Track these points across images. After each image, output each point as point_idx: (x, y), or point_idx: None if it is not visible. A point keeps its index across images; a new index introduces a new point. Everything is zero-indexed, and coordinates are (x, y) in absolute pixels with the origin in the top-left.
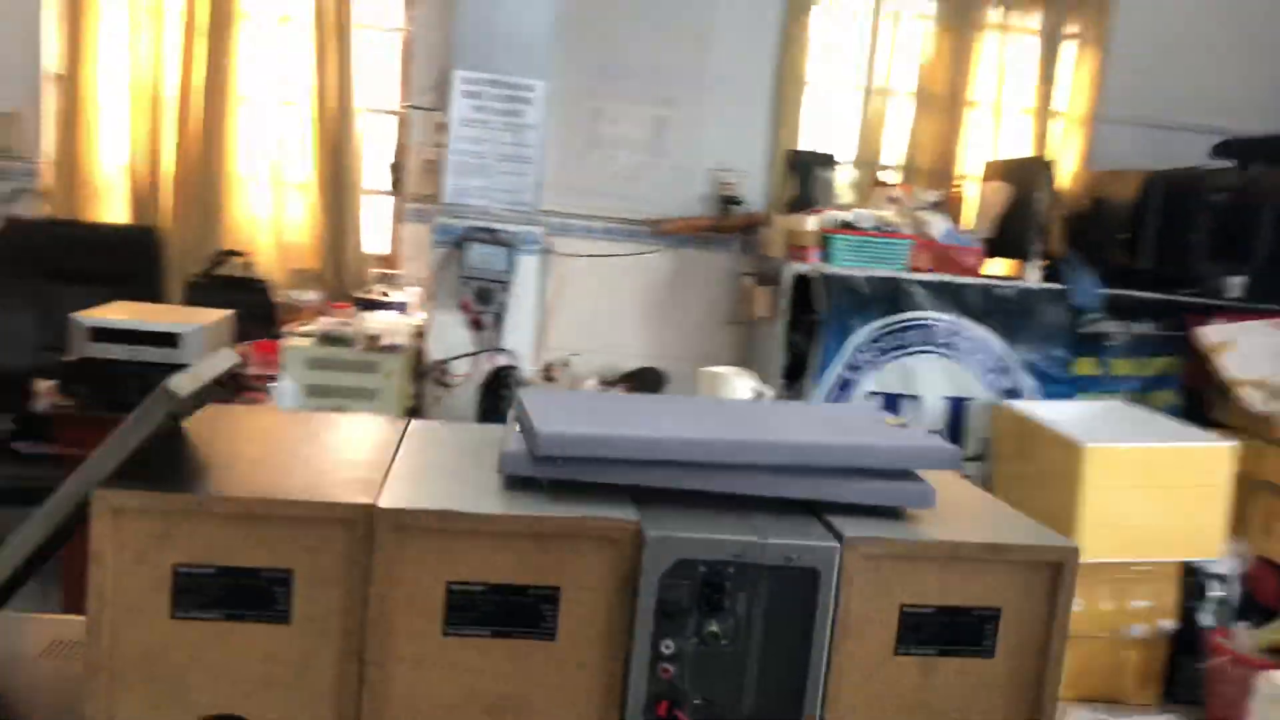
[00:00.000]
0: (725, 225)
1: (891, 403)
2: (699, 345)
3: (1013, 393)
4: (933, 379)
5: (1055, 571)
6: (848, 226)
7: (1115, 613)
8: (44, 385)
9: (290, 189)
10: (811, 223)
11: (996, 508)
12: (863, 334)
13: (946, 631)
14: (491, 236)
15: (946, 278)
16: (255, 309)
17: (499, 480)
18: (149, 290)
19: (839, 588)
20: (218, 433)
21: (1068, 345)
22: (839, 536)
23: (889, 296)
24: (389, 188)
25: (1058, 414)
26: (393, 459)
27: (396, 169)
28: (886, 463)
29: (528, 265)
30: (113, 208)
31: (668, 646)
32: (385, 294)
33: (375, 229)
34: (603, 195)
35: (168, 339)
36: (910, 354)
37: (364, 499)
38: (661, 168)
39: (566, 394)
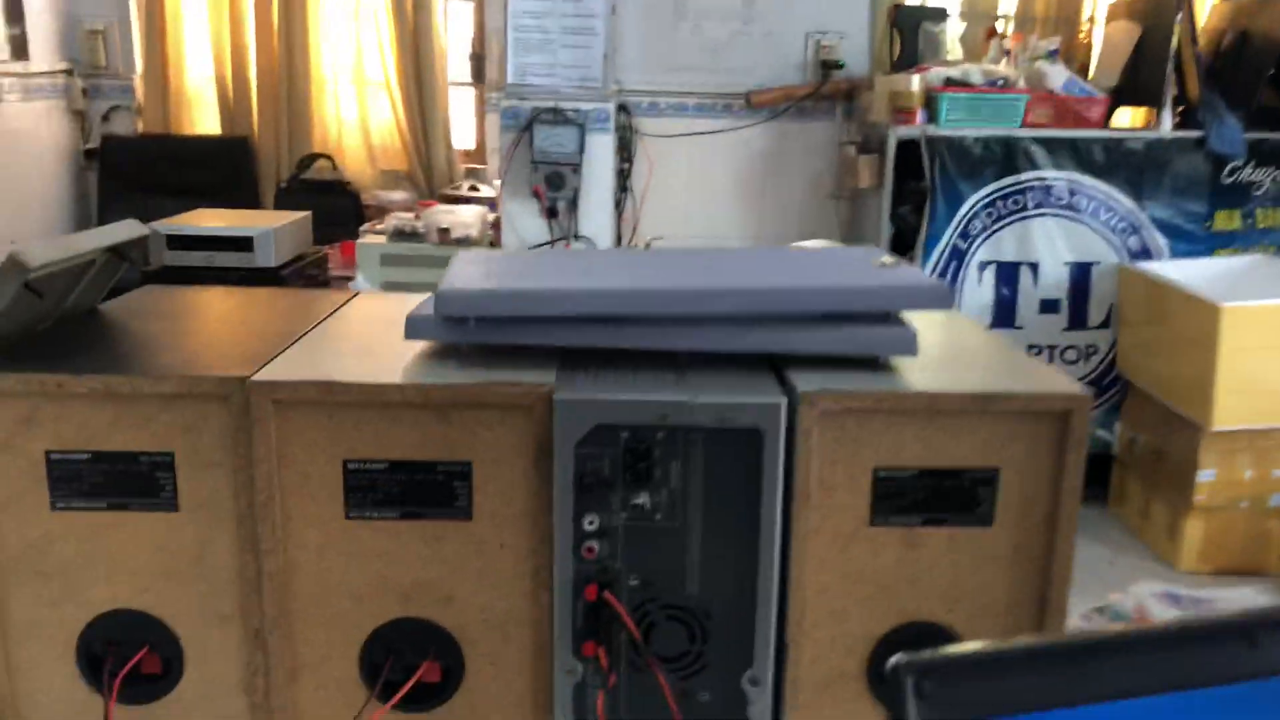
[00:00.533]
0: (824, 92)
1: (1008, 271)
2: (799, 223)
3: (1142, 254)
4: (1053, 244)
5: (1062, 423)
6: (957, 84)
7: (1256, 482)
8: None
9: (374, 88)
10: (917, 82)
11: (1002, 353)
12: (975, 200)
13: (932, 498)
14: (559, 117)
15: (1067, 132)
16: (341, 211)
17: (420, 350)
18: (242, 199)
19: (793, 450)
20: (140, 313)
21: (1205, 198)
22: (791, 391)
23: (1003, 157)
24: (471, 79)
25: (1192, 273)
26: (308, 331)
27: (477, 58)
28: (858, 305)
29: (601, 145)
30: (204, 119)
31: (591, 523)
32: (474, 188)
33: (462, 123)
34: (692, 70)
35: (241, 243)
36: (1028, 218)
37: (239, 371)
38: (753, 35)
39: (506, 255)
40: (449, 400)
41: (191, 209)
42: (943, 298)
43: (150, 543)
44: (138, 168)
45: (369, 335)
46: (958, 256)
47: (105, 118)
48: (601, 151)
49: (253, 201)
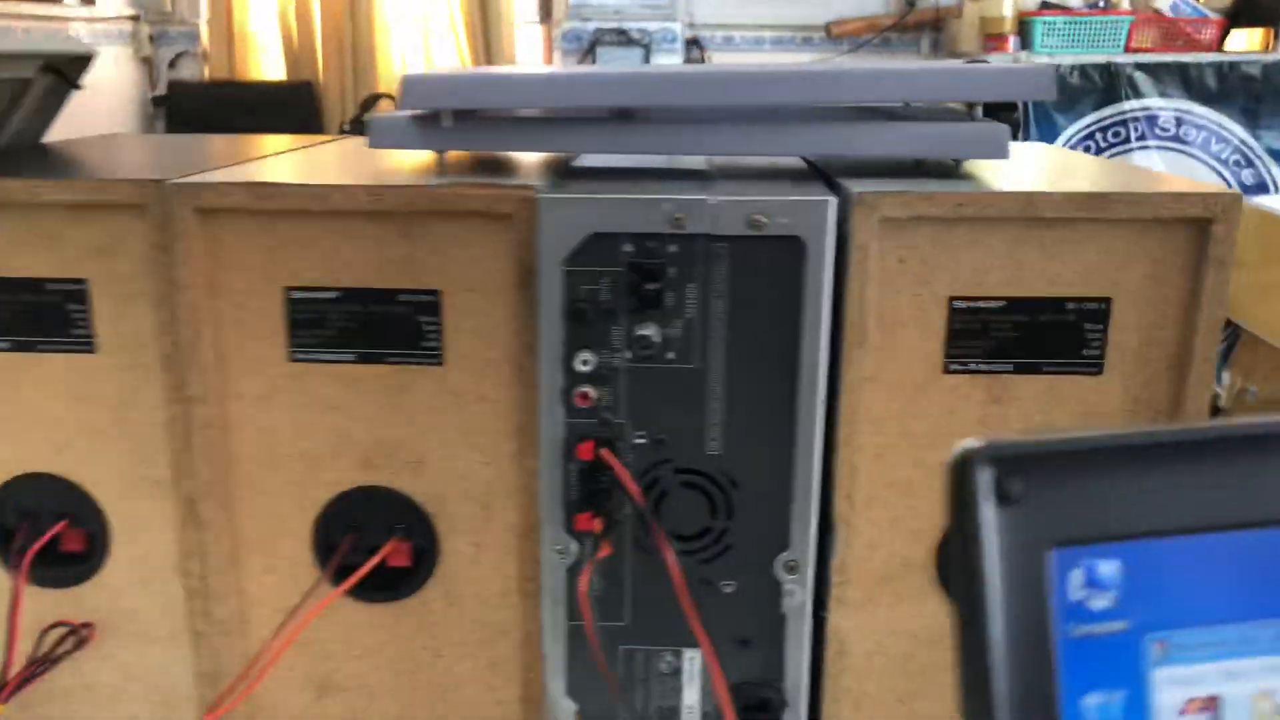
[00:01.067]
0: (909, 21)
1: None
2: None
3: (1257, 188)
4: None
5: (1199, 235)
6: (1053, 6)
7: None
8: None
9: (439, 30)
10: (1009, 6)
11: (1121, 168)
12: (1071, 133)
13: (1026, 337)
14: (623, 38)
15: (1176, 57)
16: None
17: (389, 159)
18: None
19: (844, 272)
20: (93, 146)
21: None
22: (842, 194)
23: (1104, 85)
24: (539, 17)
25: None
26: (271, 155)
27: None
28: (932, 95)
29: None
30: (269, 64)
31: (585, 363)
32: None
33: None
34: (768, 2)
35: None
36: (1130, 150)
37: (157, 175)
38: None
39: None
40: (409, 207)
41: None
42: (1047, 86)
43: (64, 392)
44: (205, 114)
45: (338, 156)
46: None
47: (172, 64)
48: None
49: None
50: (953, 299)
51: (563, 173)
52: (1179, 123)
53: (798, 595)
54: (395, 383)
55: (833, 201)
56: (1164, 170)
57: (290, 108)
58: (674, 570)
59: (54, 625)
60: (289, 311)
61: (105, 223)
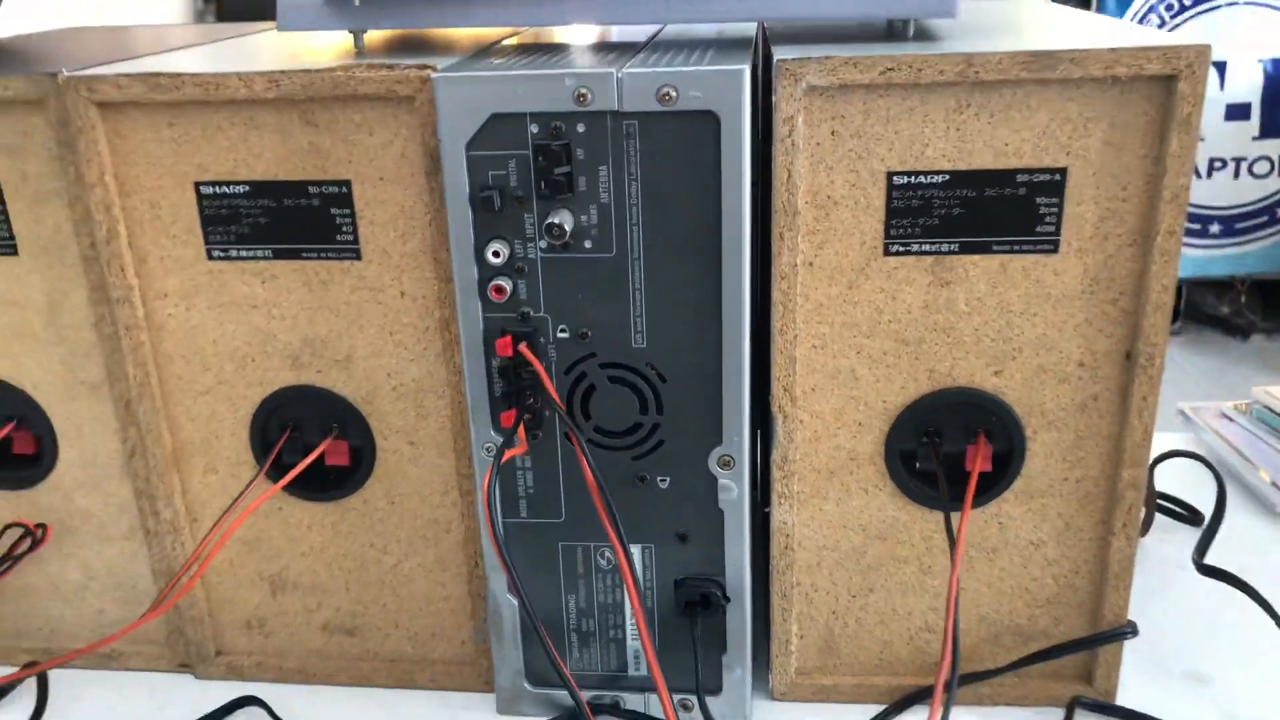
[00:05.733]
0: None
1: None
2: None
3: None
4: (1247, 38)
5: (1163, 95)
6: None
7: None
8: None
9: None
10: None
11: (1088, 19)
12: None
13: (974, 214)
14: None
15: None
16: None
17: (297, 45)
18: None
19: (773, 152)
20: (46, 41)
21: None
22: (764, 59)
23: None
24: None
25: None
26: (187, 46)
27: None
28: None
29: None
30: None
31: (496, 254)
32: None
33: None
34: None
35: None
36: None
37: (54, 69)
38: None
39: None
40: (307, 93)
41: None
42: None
43: None
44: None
45: (255, 43)
46: None
47: None
48: None
49: None
50: (891, 174)
51: (483, 51)
52: None
53: (733, 490)
54: (315, 279)
55: (745, 70)
56: (1255, 29)
57: None
58: (586, 468)
59: (10, 526)
60: (200, 207)
61: (10, 120)
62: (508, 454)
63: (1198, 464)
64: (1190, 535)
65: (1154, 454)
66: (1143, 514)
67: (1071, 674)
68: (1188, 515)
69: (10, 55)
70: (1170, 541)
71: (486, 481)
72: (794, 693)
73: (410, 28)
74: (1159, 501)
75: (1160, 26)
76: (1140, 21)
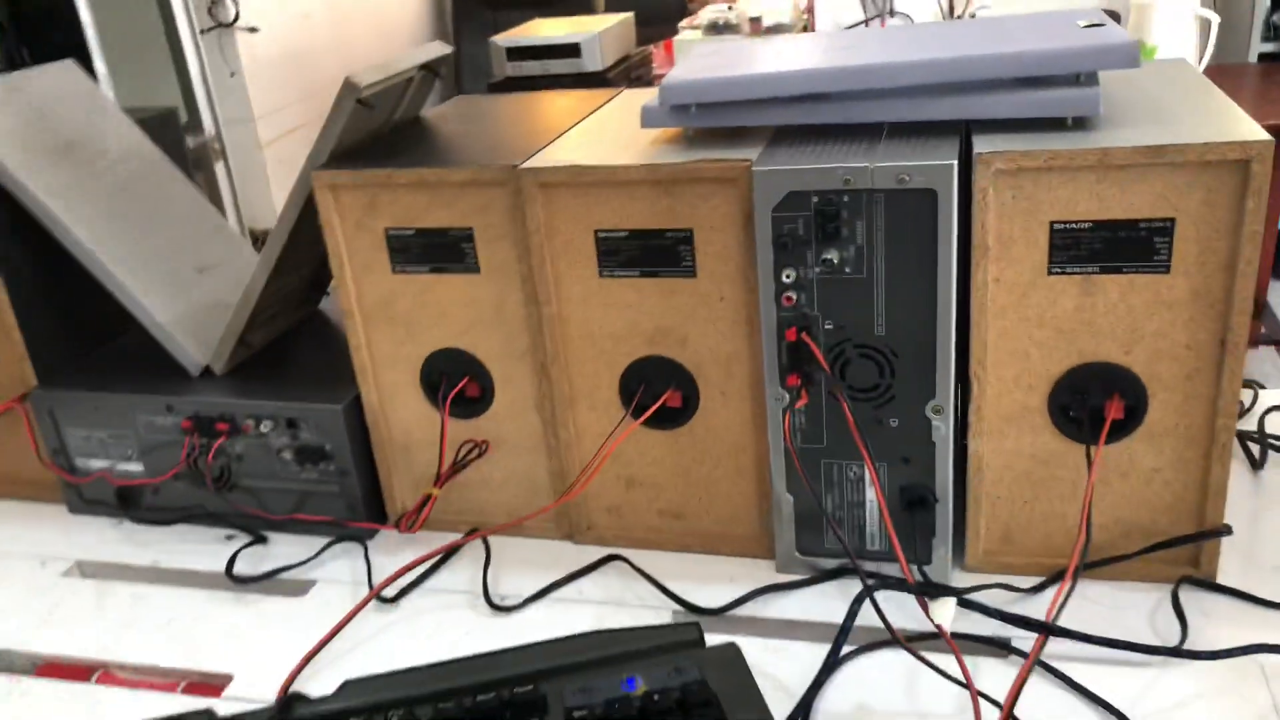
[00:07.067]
0: None
1: None
2: None
3: None
4: None
5: (1241, 173)
6: None
7: None
8: None
9: None
10: None
11: (1200, 101)
12: None
13: (1109, 247)
14: None
15: None
16: (664, 8)
17: (653, 135)
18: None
19: (973, 208)
20: (450, 118)
21: None
22: (968, 153)
23: None
24: None
25: None
26: (577, 124)
27: None
28: (1040, 69)
29: None
30: None
31: (788, 276)
32: None
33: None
34: None
35: (570, 50)
36: None
37: (513, 161)
38: None
39: (736, 44)
40: (672, 177)
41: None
42: (1129, 57)
43: (462, 298)
44: None
45: (618, 126)
46: None
47: None
48: None
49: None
50: (1053, 223)
51: (780, 139)
52: None
53: (942, 429)
54: (666, 289)
55: (954, 164)
56: None
57: None
58: (848, 414)
59: (465, 442)
60: (597, 245)
61: (484, 193)
62: (801, 400)
63: None
64: None
65: (1266, 406)
66: (1258, 452)
67: (1183, 560)
68: None
69: (444, 135)
70: None
71: (787, 421)
72: (981, 566)
73: (725, 125)
74: (1270, 442)
75: None
76: None
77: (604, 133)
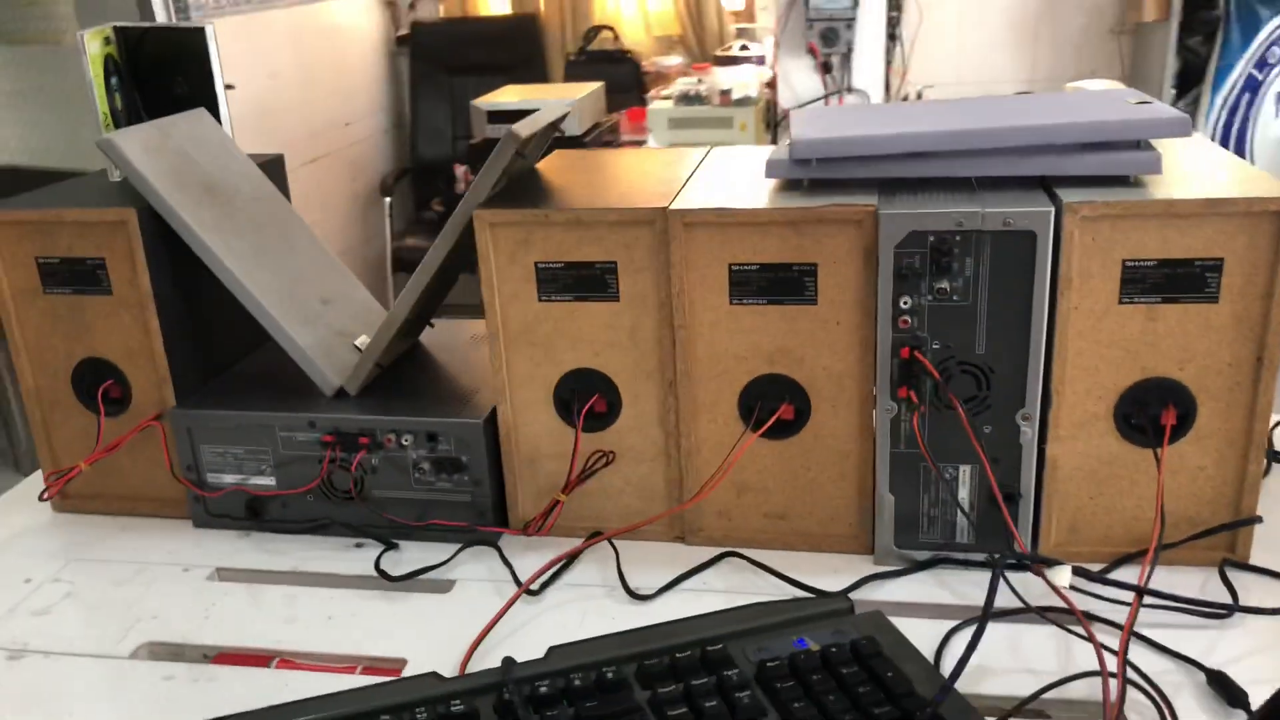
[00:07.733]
0: None
1: None
2: (1076, 62)
3: None
4: None
5: (1278, 221)
6: None
7: None
8: (460, 170)
9: None
10: None
11: (1233, 167)
12: (1275, 24)
13: (1169, 282)
14: None
15: None
16: (624, 79)
17: (769, 184)
18: (533, 73)
19: (1058, 248)
20: (561, 169)
21: None
22: (1058, 202)
23: None
24: None
25: None
26: (691, 175)
27: None
28: (1113, 135)
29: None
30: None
31: (905, 303)
32: (745, 47)
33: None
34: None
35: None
36: None
37: (661, 204)
38: None
39: (835, 109)
40: (801, 219)
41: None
42: (1183, 127)
43: (600, 323)
44: (443, 50)
45: (736, 176)
46: (1252, 88)
47: (412, 5)
48: (875, 6)
49: (541, 75)
50: (1125, 260)
51: (885, 189)
52: None
53: (1028, 434)
54: (789, 315)
55: (1052, 211)
56: None
57: (516, 39)
58: (963, 417)
59: (594, 453)
60: (730, 277)
61: (631, 230)
62: (921, 410)
63: None
64: None
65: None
66: (1264, 463)
67: (1222, 546)
68: None
69: (563, 181)
70: None
71: (916, 423)
72: (1052, 555)
73: (841, 176)
74: (1276, 452)
75: (1278, 66)
76: (1262, 55)
77: (723, 181)
